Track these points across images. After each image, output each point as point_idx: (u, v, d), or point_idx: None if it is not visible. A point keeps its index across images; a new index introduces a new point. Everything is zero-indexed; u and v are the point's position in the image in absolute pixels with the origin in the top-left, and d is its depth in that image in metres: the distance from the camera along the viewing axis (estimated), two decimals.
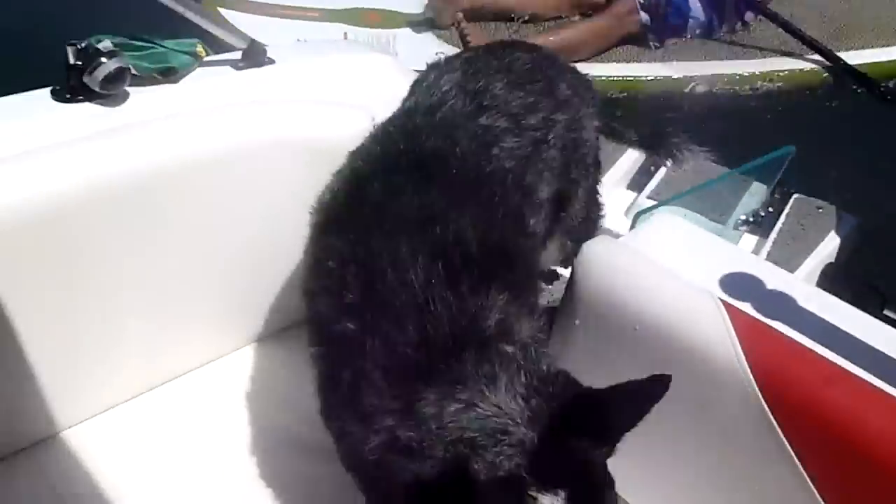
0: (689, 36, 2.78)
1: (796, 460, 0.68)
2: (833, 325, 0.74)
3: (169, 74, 1.13)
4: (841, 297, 1.40)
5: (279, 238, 1.08)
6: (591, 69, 2.33)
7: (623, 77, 2.61)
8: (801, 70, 2.67)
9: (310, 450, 0.94)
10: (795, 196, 1.55)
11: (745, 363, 0.71)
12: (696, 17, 2.75)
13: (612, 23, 2.68)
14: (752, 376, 0.71)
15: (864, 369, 0.69)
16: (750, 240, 1.50)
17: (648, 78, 2.62)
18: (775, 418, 0.70)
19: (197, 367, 1.14)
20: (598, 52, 2.67)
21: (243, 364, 1.15)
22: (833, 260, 1.47)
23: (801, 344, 0.71)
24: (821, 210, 1.53)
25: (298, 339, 0.92)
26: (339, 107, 1.17)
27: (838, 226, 1.49)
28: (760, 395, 0.70)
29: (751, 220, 1.42)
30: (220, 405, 1.07)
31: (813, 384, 0.69)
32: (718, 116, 2.46)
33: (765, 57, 2.70)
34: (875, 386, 0.67)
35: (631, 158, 1.64)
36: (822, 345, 0.71)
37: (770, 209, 1.55)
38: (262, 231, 1.11)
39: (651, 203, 1.50)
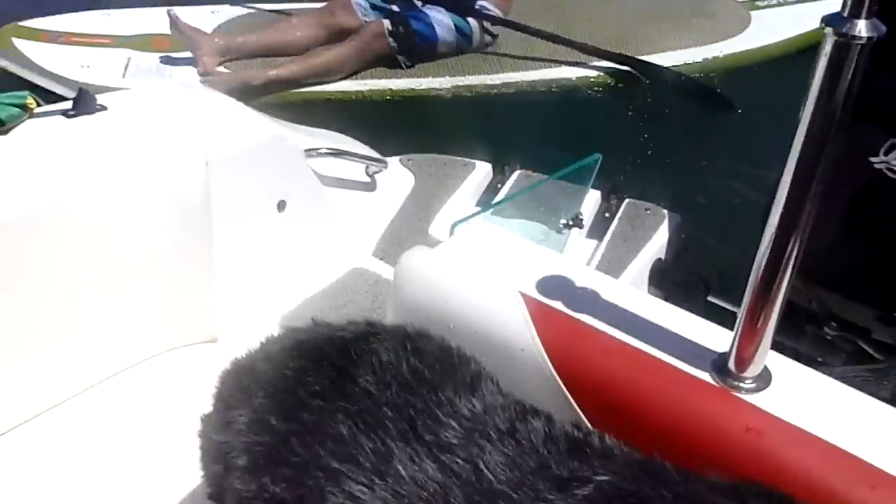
0: (438, 58, 2.97)
1: (588, 424, 0.76)
2: (620, 307, 0.83)
3: None
4: (670, 288, 1.56)
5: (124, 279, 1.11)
6: (347, 86, 2.82)
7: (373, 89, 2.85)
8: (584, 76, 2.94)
9: None
10: (627, 200, 1.69)
11: (541, 345, 0.79)
12: (445, 41, 2.94)
13: (360, 46, 2.84)
14: (546, 355, 0.79)
15: (643, 342, 0.78)
16: (588, 244, 1.61)
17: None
18: (568, 390, 0.78)
19: (104, 378, 1.17)
20: (352, 74, 2.87)
21: (147, 377, 1.19)
22: (662, 256, 1.60)
23: (586, 324, 0.80)
24: (648, 211, 1.66)
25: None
26: (170, 152, 1.20)
27: (665, 225, 1.63)
28: (554, 371, 0.79)
29: (571, 222, 1.53)
30: (127, 417, 1.11)
31: (595, 356, 0.78)
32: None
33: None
34: (649, 354, 0.76)
35: (480, 174, 1.76)
36: (608, 324, 0.80)
37: (606, 214, 1.68)
38: (109, 272, 1.13)
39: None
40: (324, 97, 2.85)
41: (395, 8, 2.98)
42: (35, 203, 1.07)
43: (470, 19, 2.95)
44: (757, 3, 3.24)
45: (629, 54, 2.91)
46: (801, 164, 0.60)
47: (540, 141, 2.57)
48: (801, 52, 2.99)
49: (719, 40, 3.04)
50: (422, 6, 2.94)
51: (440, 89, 2.88)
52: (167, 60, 2.90)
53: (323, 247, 1.42)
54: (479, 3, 2.97)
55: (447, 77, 2.91)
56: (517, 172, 1.76)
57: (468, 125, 2.83)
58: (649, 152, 2.54)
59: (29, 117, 1.18)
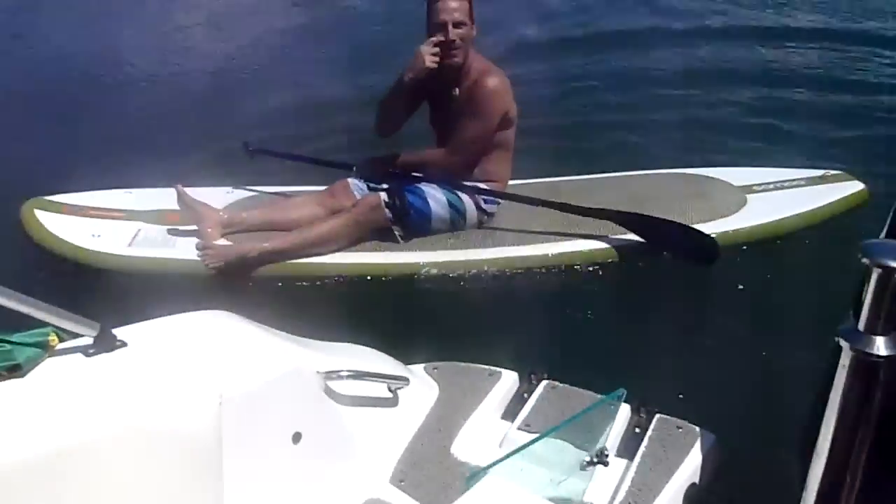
0: (433, 233, 3.02)
1: None
2: None
3: (15, 370, 1.13)
4: None
5: None
6: (342, 258, 2.89)
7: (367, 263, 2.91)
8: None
9: None
10: (658, 416, 1.63)
11: None
12: (438, 216, 2.98)
13: (357, 217, 2.91)
14: None
15: None
16: (618, 465, 1.54)
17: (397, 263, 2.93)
18: None
19: None
20: (350, 244, 2.91)
21: None
22: (696, 480, 1.53)
23: None
24: (680, 430, 1.61)
25: None
26: (185, 392, 1.21)
27: (698, 445, 1.57)
28: None
29: (596, 458, 1.46)
30: None
31: None
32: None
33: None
34: None
35: (506, 385, 1.71)
36: None
37: (637, 429, 1.62)
38: None
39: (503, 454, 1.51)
40: (319, 272, 2.88)
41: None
42: (44, 446, 1.07)
43: (463, 196, 3.01)
44: (753, 187, 3.32)
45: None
46: (826, 479, 0.59)
47: (549, 332, 2.59)
48: (795, 233, 3.08)
49: (711, 219, 3.10)
50: (416, 183, 3.01)
51: (432, 264, 2.92)
52: (173, 232, 2.98)
53: (339, 476, 1.38)
54: (473, 182, 3.04)
55: (441, 251, 2.97)
56: (544, 383, 1.72)
57: (463, 306, 2.86)
58: (665, 350, 2.52)
59: (49, 355, 1.19)
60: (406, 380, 1.57)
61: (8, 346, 1.15)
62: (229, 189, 3.28)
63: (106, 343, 1.23)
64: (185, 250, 2.88)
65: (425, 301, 2.89)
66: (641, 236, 2.99)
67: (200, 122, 4.24)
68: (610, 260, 3.00)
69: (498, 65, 3.05)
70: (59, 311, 1.19)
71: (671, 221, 2.97)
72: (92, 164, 3.56)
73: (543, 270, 2.96)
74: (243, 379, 1.26)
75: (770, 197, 3.26)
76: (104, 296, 2.74)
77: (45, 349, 1.19)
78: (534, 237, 3.05)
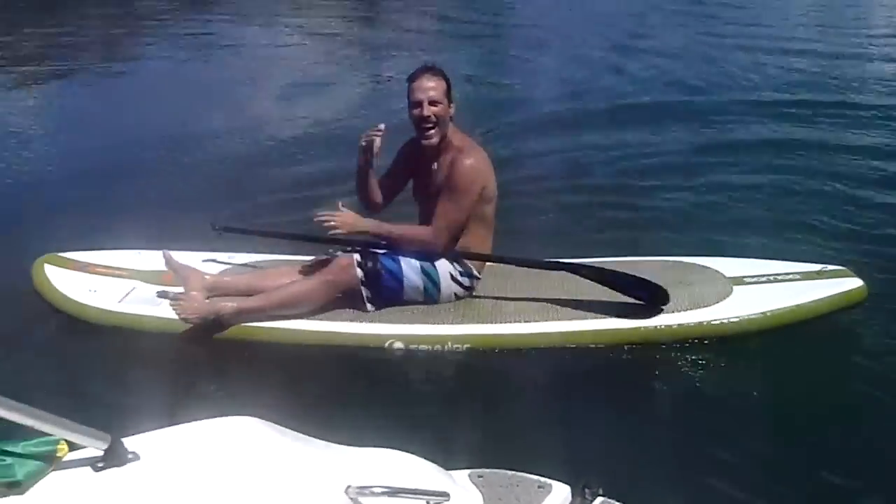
0: (406, 301, 3.03)
1: None
2: None
3: (14, 487, 1.07)
4: None
5: None
6: (306, 325, 2.96)
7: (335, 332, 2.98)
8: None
9: None
10: (601, 500, 1.51)
11: None
12: (411, 282, 3.00)
13: (329, 277, 2.96)
14: None
15: None
16: None
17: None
18: None
19: None
20: (322, 304, 2.99)
21: None
22: None
23: None
24: None
25: None
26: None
27: None
28: None
29: None
30: None
31: None
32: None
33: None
34: None
35: (557, 499, 1.58)
36: None
37: None
38: None
39: None
40: (292, 338, 2.98)
41: None
42: None
43: (438, 266, 3.05)
44: (744, 279, 3.21)
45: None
46: None
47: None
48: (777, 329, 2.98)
49: (690, 309, 3.03)
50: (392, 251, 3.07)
51: (400, 337, 2.97)
52: (162, 294, 3.17)
53: None
54: (462, 263, 3.09)
55: (414, 324, 3.00)
56: (599, 500, 1.54)
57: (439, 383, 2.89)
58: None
59: (55, 468, 1.11)
60: (447, 495, 1.41)
61: (9, 460, 1.07)
62: (232, 256, 3.48)
63: (117, 456, 1.14)
64: (167, 310, 3.07)
65: (395, 374, 2.94)
66: (604, 285, 3.05)
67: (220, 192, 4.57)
68: (585, 344, 2.98)
69: (490, 143, 3.14)
70: (65, 422, 1.12)
71: (628, 275, 3.03)
72: (119, 224, 3.87)
73: (520, 350, 2.97)
74: (274, 499, 1.16)
75: (759, 289, 3.15)
76: (92, 348, 3.01)
77: (51, 462, 1.11)
78: (511, 314, 3.06)
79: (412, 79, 3.00)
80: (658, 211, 4.30)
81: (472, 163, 2.97)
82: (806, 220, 4.08)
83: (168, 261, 3.13)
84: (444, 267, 3.06)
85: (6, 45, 10.33)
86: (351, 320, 3.02)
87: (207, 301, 3.04)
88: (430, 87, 2.95)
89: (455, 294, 3.11)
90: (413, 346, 2.96)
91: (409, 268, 3.03)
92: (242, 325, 3.01)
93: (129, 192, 4.66)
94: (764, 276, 3.21)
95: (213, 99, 7.11)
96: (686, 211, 4.27)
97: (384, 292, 3.03)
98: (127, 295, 3.17)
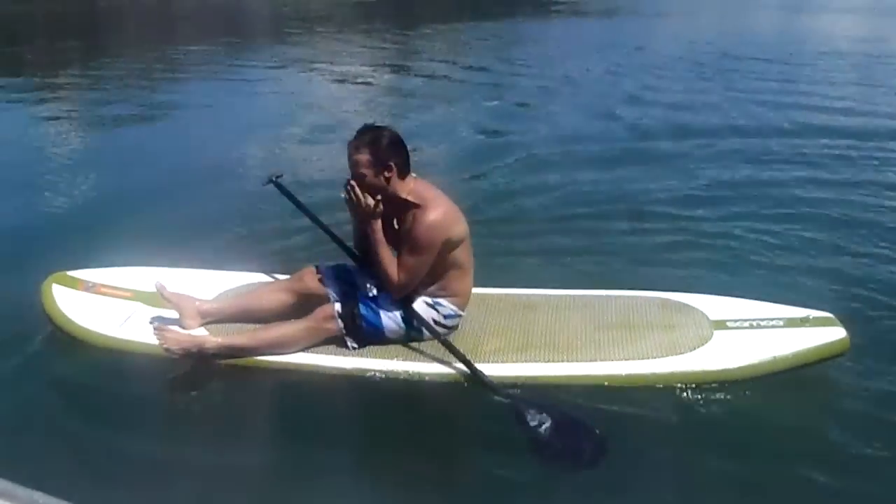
0: (388, 342, 3.11)
1: None
2: None
3: None
4: None
5: None
6: (290, 358, 3.06)
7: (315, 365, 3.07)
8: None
9: None
10: None
11: None
12: (391, 329, 3.09)
13: (312, 325, 3.05)
14: None
15: None
16: None
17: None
18: None
19: None
20: (305, 347, 3.09)
21: None
22: None
23: None
24: None
25: None
26: None
27: None
28: None
29: None
30: None
31: None
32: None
33: None
34: None
35: None
36: None
37: None
38: None
39: None
40: (274, 368, 3.09)
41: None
42: None
43: (419, 314, 3.10)
44: (727, 323, 3.22)
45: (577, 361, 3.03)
46: None
47: None
48: (754, 380, 2.97)
49: (668, 355, 3.04)
50: (376, 293, 3.14)
51: (381, 371, 3.06)
52: (158, 318, 3.28)
53: None
54: (441, 304, 3.15)
55: (397, 360, 3.08)
56: None
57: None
58: None
59: None
60: None
61: None
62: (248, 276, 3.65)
63: None
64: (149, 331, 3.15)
65: (373, 406, 3.03)
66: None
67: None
68: (557, 385, 3.00)
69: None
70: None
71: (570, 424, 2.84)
72: (131, 242, 4.09)
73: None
74: None
75: (740, 335, 3.16)
76: (87, 372, 3.14)
77: None
78: (490, 353, 3.11)
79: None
80: (649, 245, 4.35)
81: (433, 218, 2.97)
82: (797, 262, 4.08)
83: (161, 291, 3.26)
84: (426, 313, 3.12)
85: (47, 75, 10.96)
86: (334, 354, 3.11)
87: (192, 336, 3.14)
88: (354, 161, 2.99)
89: (439, 333, 3.13)
90: (392, 379, 3.04)
91: (389, 318, 3.10)
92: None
93: (146, 213, 4.88)
94: (747, 320, 3.22)
95: (242, 137, 7.35)
96: (678, 246, 4.29)
97: (366, 338, 3.12)
98: (127, 319, 3.30)
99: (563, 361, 3.06)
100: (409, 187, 3.05)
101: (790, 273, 3.92)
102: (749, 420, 2.88)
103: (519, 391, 2.94)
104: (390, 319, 3.11)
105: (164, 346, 3.04)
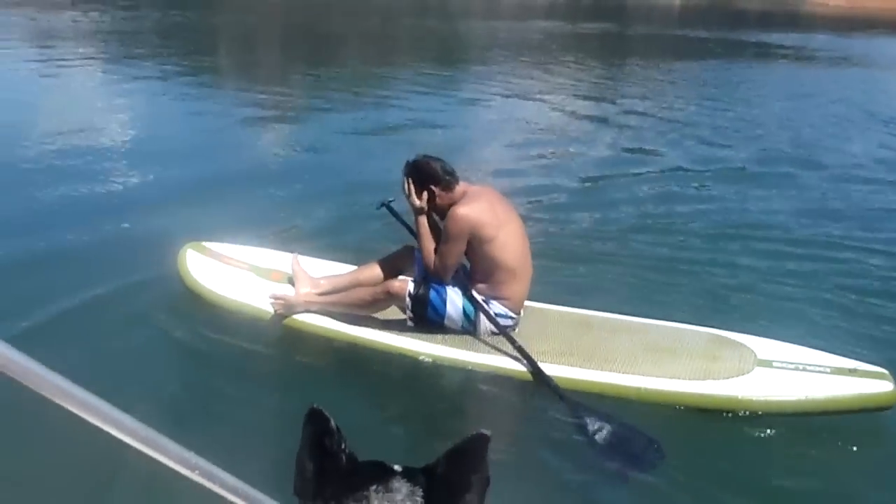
0: (445, 328, 3.51)
1: None
2: None
3: None
4: None
5: None
6: (358, 332, 3.56)
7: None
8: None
9: None
10: None
11: None
12: (451, 319, 3.48)
13: (384, 293, 3.57)
14: None
15: None
16: None
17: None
18: None
19: None
20: (377, 310, 3.66)
21: None
22: None
23: None
24: None
25: None
26: None
27: None
28: None
29: None
30: None
31: None
32: None
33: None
34: None
35: None
36: None
37: None
38: None
39: None
40: (344, 338, 3.60)
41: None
42: None
43: (477, 307, 3.50)
44: (773, 362, 3.31)
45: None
46: None
47: None
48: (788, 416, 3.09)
49: (697, 379, 3.22)
50: (453, 282, 3.55)
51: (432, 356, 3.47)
52: (266, 287, 3.86)
53: None
54: (491, 303, 3.50)
55: (448, 347, 3.50)
56: None
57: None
58: None
59: None
60: None
61: None
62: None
63: None
64: (263, 301, 3.78)
65: (420, 386, 3.42)
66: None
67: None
68: (587, 391, 3.26)
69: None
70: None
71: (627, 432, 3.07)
72: (256, 225, 4.80)
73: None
74: None
75: (781, 374, 3.25)
76: (204, 324, 3.77)
77: None
78: (535, 354, 3.39)
79: None
80: (713, 282, 4.46)
81: (458, 211, 3.42)
82: (863, 313, 4.06)
83: (294, 262, 3.89)
84: (481, 308, 3.50)
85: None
86: (395, 332, 3.57)
87: (297, 297, 3.73)
88: (404, 188, 3.57)
89: (491, 330, 3.53)
90: (440, 364, 3.44)
91: (453, 307, 3.53)
92: (310, 322, 3.67)
93: (286, 208, 5.58)
94: (794, 363, 3.30)
95: (413, 144, 7.85)
96: (741, 286, 4.38)
97: (426, 318, 3.56)
98: (241, 284, 3.92)
99: (597, 370, 3.30)
100: (458, 194, 3.52)
101: (853, 325, 3.90)
102: (770, 453, 3.00)
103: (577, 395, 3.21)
104: (453, 308, 3.52)
105: (276, 307, 3.69)
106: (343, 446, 0.83)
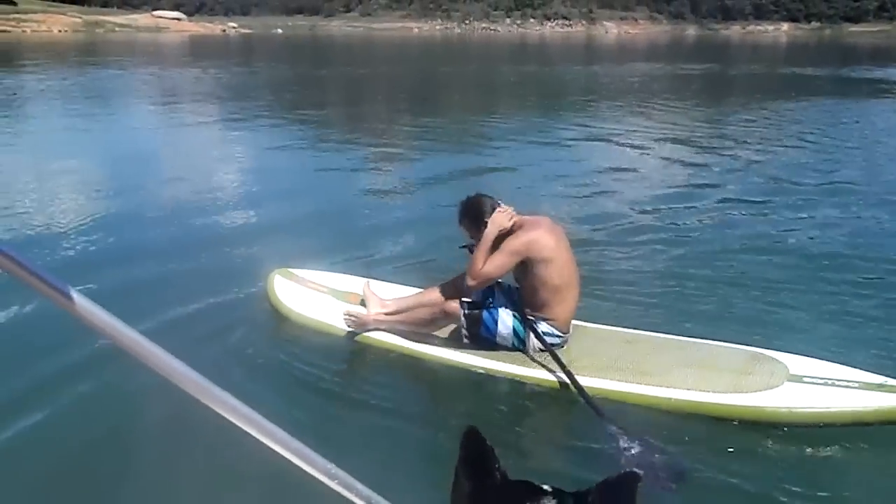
0: (497, 348, 3.82)
1: None
2: None
3: None
4: None
5: None
6: (420, 348, 3.94)
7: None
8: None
9: None
10: None
11: None
12: (502, 337, 3.80)
13: (442, 312, 3.96)
14: None
15: None
16: None
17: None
18: None
19: None
20: (436, 328, 4.10)
21: None
22: None
23: None
24: None
25: None
26: None
27: None
28: None
29: None
30: None
31: None
32: None
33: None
34: None
35: None
36: None
37: None
38: None
39: None
40: (408, 352, 4.00)
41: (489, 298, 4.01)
42: None
43: (527, 326, 3.82)
44: (804, 377, 3.47)
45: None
46: None
47: None
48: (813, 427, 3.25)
49: (727, 391, 3.43)
50: (504, 303, 3.90)
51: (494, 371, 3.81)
52: (342, 309, 4.29)
53: None
54: (540, 322, 3.83)
55: (500, 362, 3.83)
56: None
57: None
58: None
59: None
60: None
61: None
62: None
63: None
64: (339, 320, 4.25)
65: (475, 397, 3.78)
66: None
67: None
68: (624, 402, 3.52)
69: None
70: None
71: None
72: (338, 253, 5.36)
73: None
74: None
75: (809, 389, 3.41)
76: (288, 341, 4.28)
77: None
78: (580, 370, 3.67)
79: None
80: (755, 302, 4.63)
81: (524, 236, 3.79)
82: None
83: (365, 286, 4.36)
84: (531, 327, 3.84)
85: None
86: (452, 348, 3.95)
87: (368, 315, 4.18)
88: (462, 230, 3.99)
89: (539, 348, 3.84)
90: (488, 377, 3.79)
91: (504, 327, 3.87)
92: (379, 339, 4.11)
93: (364, 240, 6.12)
94: (825, 378, 3.45)
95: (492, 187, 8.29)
96: (780, 305, 4.54)
97: (479, 336, 3.92)
98: (321, 306, 4.43)
99: (633, 382, 3.56)
100: (515, 225, 3.89)
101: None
102: (797, 466, 3.15)
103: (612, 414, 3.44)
104: (504, 327, 3.87)
105: (349, 325, 4.16)
106: (497, 465, 0.87)
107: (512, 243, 3.79)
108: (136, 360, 0.82)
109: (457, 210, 4.03)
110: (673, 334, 4.02)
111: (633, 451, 3.25)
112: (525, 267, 3.81)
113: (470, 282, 3.87)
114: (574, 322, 3.96)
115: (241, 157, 10.30)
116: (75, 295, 0.77)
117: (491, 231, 3.84)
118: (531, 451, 3.38)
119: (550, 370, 3.73)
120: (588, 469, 3.16)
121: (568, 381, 3.61)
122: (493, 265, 3.80)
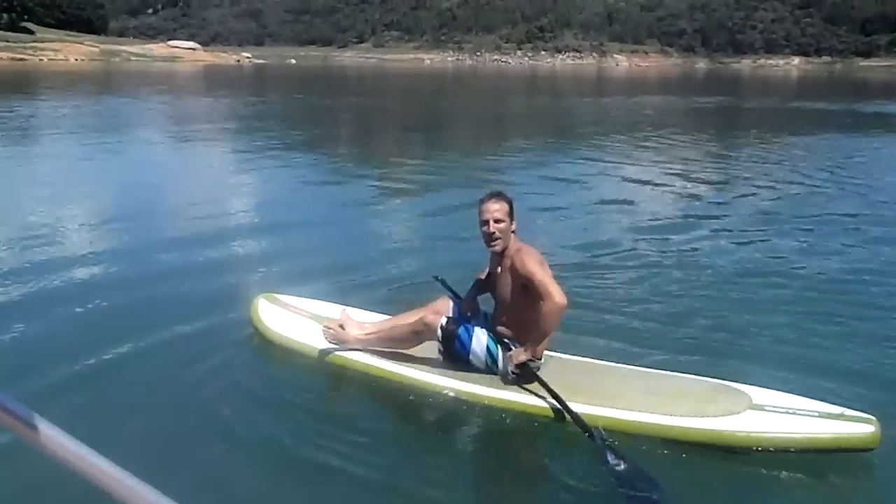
0: (469, 366, 3.89)
1: None
2: None
3: None
4: None
5: None
6: (390, 367, 4.01)
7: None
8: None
9: None
10: None
11: None
12: (475, 355, 3.86)
13: (419, 326, 4.01)
14: None
15: None
16: None
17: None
18: None
19: None
20: (412, 345, 4.13)
21: None
22: None
23: None
24: None
25: None
26: None
27: None
28: None
29: None
30: None
31: None
32: None
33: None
34: None
35: None
36: None
37: None
38: None
39: None
40: (377, 373, 4.10)
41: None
42: None
43: (501, 348, 3.88)
44: (765, 407, 3.52)
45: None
46: None
47: None
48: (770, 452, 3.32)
49: (687, 416, 3.50)
50: (481, 324, 3.98)
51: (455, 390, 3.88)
52: (321, 331, 4.41)
53: None
54: (516, 345, 3.87)
55: (471, 384, 3.89)
56: None
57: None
58: None
59: None
60: None
61: None
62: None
63: None
64: (319, 341, 4.36)
65: (442, 419, 3.85)
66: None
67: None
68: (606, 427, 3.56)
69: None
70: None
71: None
72: (319, 280, 5.48)
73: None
74: None
75: (769, 416, 3.48)
76: (268, 361, 4.39)
77: None
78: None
79: (482, 202, 3.96)
80: (724, 334, 4.71)
81: (534, 254, 3.83)
82: (869, 365, 4.23)
83: (343, 312, 4.44)
84: (505, 350, 3.90)
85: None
86: (422, 370, 4.02)
87: (346, 333, 4.26)
88: (495, 209, 3.89)
89: (512, 370, 3.87)
90: (462, 399, 3.85)
91: (478, 344, 3.94)
92: (357, 359, 4.20)
93: (346, 269, 6.23)
94: (786, 408, 3.51)
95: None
96: (749, 340, 4.62)
97: (453, 352, 3.98)
98: (302, 330, 4.54)
99: (600, 406, 3.62)
100: (514, 241, 3.93)
101: (853, 377, 4.05)
102: (752, 487, 3.22)
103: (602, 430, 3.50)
104: (478, 345, 3.92)
105: (328, 338, 4.26)
106: None
107: (536, 256, 3.81)
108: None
109: (495, 193, 3.99)
110: (641, 366, 4.09)
111: (620, 467, 3.28)
112: (525, 289, 3.78)
113: (563, 300, 3.65)
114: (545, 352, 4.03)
115: (245, 186, 10.50)
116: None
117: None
118: (506, 475, 3.44)
119: (525, 392, 3.80)
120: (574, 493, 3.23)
121: (546, 401, 3.68)
122: (552, 279, 3.75)
